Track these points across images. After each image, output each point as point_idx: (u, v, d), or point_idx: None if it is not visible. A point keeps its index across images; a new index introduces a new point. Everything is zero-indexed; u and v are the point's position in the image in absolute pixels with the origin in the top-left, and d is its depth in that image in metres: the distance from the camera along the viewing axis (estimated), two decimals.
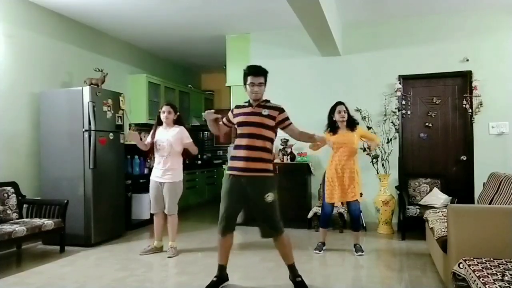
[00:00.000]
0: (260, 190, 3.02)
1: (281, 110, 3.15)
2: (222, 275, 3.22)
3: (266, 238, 3.13)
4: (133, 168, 5.99)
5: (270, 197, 3.01)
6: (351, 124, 4.21)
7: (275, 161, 5.13)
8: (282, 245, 3.12)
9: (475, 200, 4.68)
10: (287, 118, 3.17)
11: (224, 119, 3.31)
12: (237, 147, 3.11)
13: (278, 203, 3.07)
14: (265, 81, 3.16)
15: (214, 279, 3.18)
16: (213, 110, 3.23)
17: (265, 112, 3.09)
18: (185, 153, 4.41)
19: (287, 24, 5.58)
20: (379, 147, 5.14)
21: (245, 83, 3.17)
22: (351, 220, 4.38)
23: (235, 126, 3.21)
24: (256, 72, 3.11)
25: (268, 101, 3.20)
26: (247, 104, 3.21)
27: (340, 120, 4.19)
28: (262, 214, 3.06)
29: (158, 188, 4.28)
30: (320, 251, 4.24)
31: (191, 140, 4.33)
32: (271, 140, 3.15)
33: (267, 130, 3.08)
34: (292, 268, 3.17)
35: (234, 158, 3.11)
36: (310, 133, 3.22)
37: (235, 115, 3.20)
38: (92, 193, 4.60)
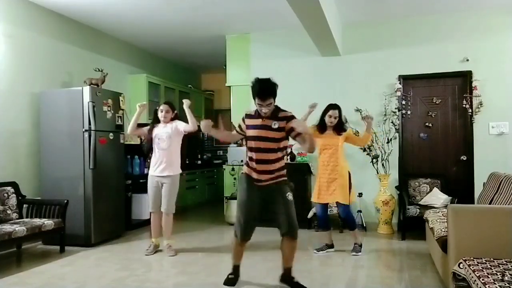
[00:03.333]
0: (279, 192, 3.08)
1: (289, 118, 3.01)
2: (236, 274, 3.28)
3: (287, 236, 3.07)
4: (133, 168, 5.98)
5: (290, 196, 3.08)
6: (338, 129, 4.22)
7: None
8: (291, 248, 3.12)
9: (475, 200, 4.68)
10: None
11: (238, 128, 3.23)
12: (250, 158, 3.11)
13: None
14: (275, 97, 2.98)
15: (231, 276, 3.24)
16: (206, 121, 3.07)
17: (275, 125, 3.00)
18: (185, 147, 4.40)
19: (287, 24, 5.58)
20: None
21: (254, 98, 2.99)
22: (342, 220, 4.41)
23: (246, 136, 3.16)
24: (263, 94, 2.91)
25: (279, 109, 3.07)
26: (256, 113, 3.09)
27: (328, 124, 4.21)
28: (284, 212, 3.03)
29: (157, 186, 4.29)
30: (318, 251, 4.25)
31: (185, 124, 4.31)
32: (283, 149, 3.14)
33: (277, 143, 3.05)
34: (288, 271, 3.18)
35: (248, 166, 3.12)
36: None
37: (247, 126, 3.13)
38: (92, 193, 4.60)
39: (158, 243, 4.40)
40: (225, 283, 3.21)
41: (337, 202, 4.19)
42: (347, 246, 4.44)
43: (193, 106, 8.15)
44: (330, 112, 4.18)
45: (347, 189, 4.15)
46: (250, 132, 3.10)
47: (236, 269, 3.29)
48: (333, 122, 4.19)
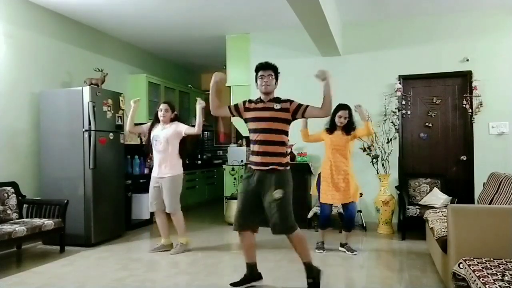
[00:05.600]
0: (269, 185, 3.03)
1: (291, 100, 3.16)
2: (251, 274, 3.27)
3: (277, 234, 3.07)
4: (133, 168, 5.98)
5: (278, 193, 2.99)
6: (347, 129, 4.23)
7: None
8: (293, 243, 3.11)
9: (475, 200, 4.68)
10: (300, 104, 3.14)
11: (232, 105, 3.34)
12: (253, 142, 3.15)
13: (289, 200, 3.06)
14: (276, 77, 3.18)
15: (243, 276, 3.26)
16: (221, 74, 3.31)
17: (277, 106, 3.10)
18: (183, 150, 4.40)
19: (287, 24, 5.58)
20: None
21: (256, 80, 3.20)
22: (345, 220, 4.38)
23: (244, 120, 3.22)
24: (265, 66, 3.18)
25: (278, 97, 3.20)
26: (258, 100, 3.21)
27: (338, 124, 4.22)
28: (269, 211, 3.03)
29: (158, 187, 4.29)
30: (323, 250, 4.26)
31: (188, 126, 4.35)
32: (286, 133, 3.16)
33: (281, 123, 3.10)
34: (306, 267, 3.13)
35: (252, 153, 3.18)
36: (326, 101, 3.20)
37: (247, 109, 3.20)
38: (92, 193, 4.60)
39: (168, 243, 4.41)
40: (231, 283, 3.22)
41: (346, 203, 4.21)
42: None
43: (193, 106, 8.19)
44: (340, 113, 4.19)
45: (358, 187, 4.25)
46: (251, 114, 3.15)
47: (248, 268, 3.28)
48: (343, 123, 4.20)
